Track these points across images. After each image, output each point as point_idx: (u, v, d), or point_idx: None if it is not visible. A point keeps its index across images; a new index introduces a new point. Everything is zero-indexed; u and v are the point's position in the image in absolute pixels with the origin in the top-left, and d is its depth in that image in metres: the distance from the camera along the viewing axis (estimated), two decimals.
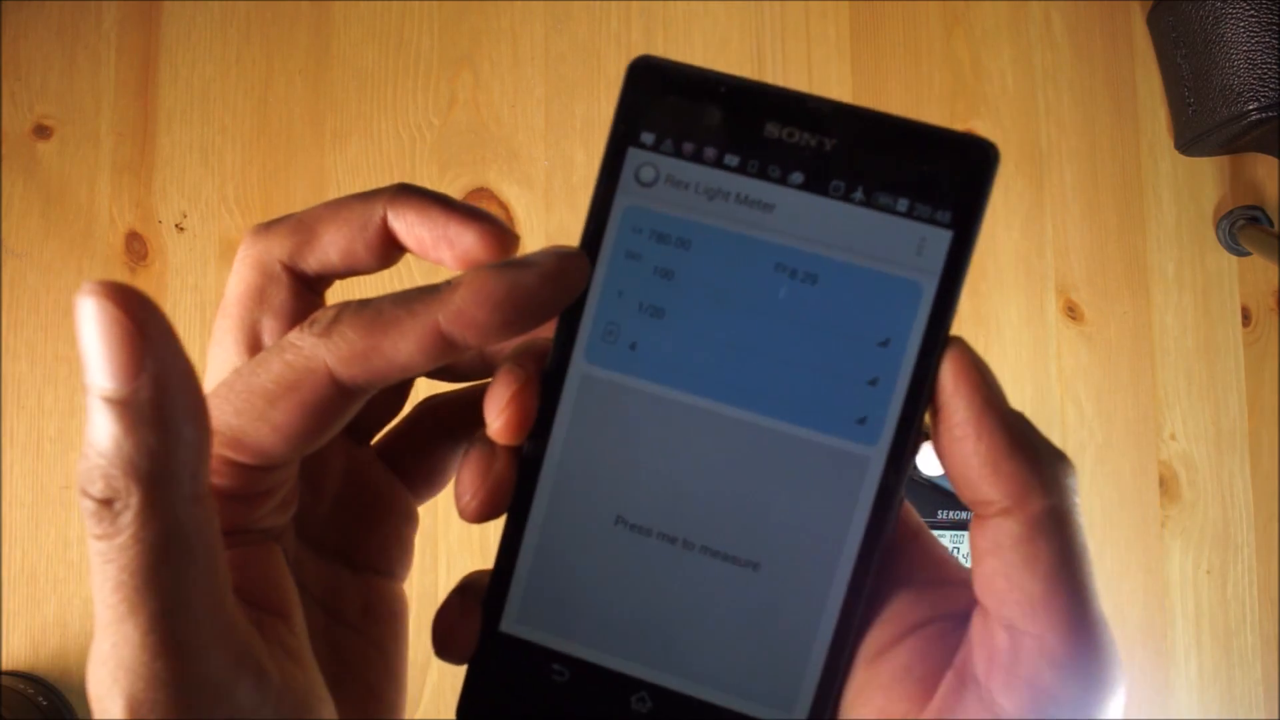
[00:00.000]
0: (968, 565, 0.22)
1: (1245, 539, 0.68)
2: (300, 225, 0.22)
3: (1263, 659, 0.67)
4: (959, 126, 0.69)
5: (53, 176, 0.66)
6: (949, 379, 0.20)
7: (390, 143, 0.67)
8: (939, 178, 0.20)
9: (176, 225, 0.66)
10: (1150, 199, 0.70)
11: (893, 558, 0.22)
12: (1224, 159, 0.70)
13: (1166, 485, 0.68)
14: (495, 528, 0.22)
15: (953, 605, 0.21)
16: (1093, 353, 0.68)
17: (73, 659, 0.63)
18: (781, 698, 0.21)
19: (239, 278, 0.22)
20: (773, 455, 0.21)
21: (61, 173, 0.66)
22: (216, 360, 0.22)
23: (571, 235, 0.67)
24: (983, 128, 0.69)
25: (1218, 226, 0.69)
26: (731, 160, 0.21)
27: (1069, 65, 0.70)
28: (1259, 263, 0.69)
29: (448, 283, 0.20)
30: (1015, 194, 0.69)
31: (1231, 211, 0.68)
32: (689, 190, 0.21)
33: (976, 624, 0.20)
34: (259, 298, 0.22)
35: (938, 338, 0.20)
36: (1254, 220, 0.67)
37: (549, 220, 0.67)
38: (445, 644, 0.21)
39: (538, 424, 0.21)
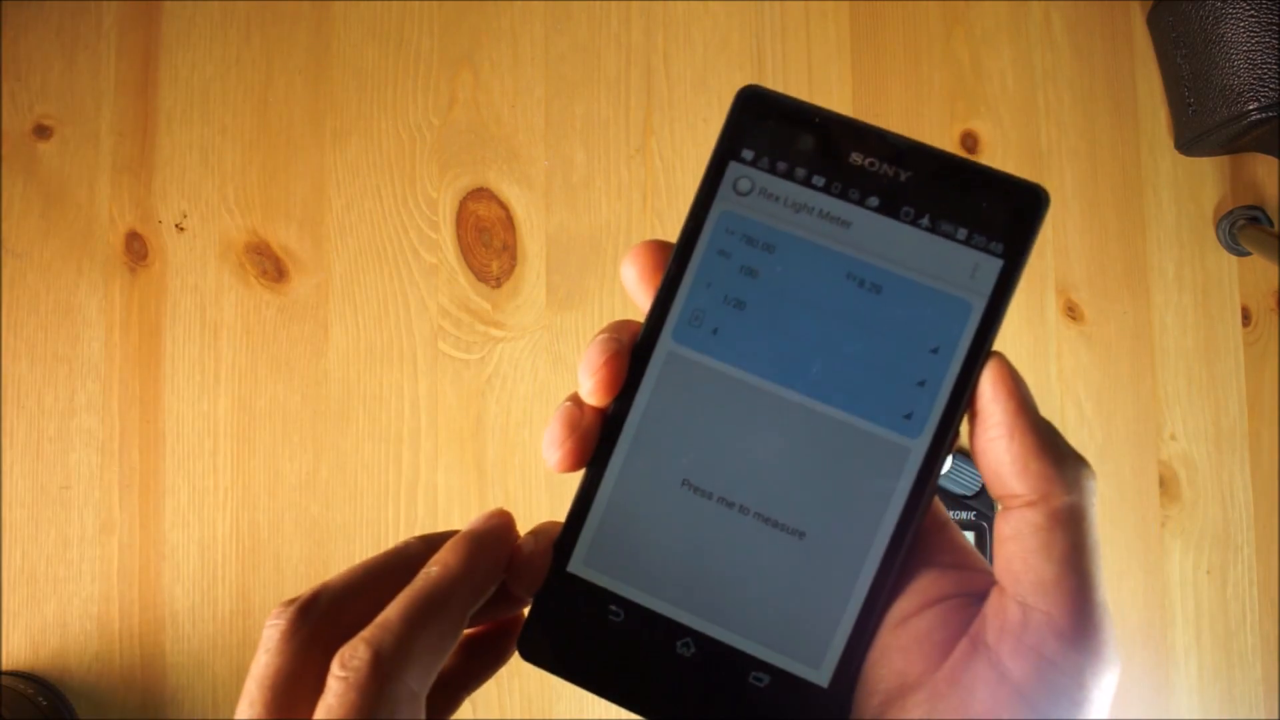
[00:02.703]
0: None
1: (1245, 539, 0.68)
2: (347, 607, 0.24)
3: (1263, 659, 0.67)
4: (959, 127, 0.69)
5: (53, 176, 0.66)
6: (989, 386, 0.23)
7: (390, 143, 0.67)
8: (995, 213, 0.23)
9: (176, 225, 0.66)
10: (1150, 199, 0.70)
11: (922, 540, 0.24)
12: (1224, 159, 0.70)
13: (1166, 485, 0.68)
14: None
15: (971, 585, 0.23)
16: (1093, 353, 0.68)
17: (72, 659, 0.63)
18: (812, 653, 0.23)
19: (285, 657, 0.23)
20: (827, 438, 0.24)
21: (61, 173, 0.66)
22: None
23: (571, 234, 0.67)
24: (983, 128, 0.69)
25: (1218, 226, 0.69)
26: (818, 180, 0.24)
27: (1069, 65, 0.70)
28: (1259, 263, 0.69)
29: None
30: None
31: (1231, 211, 0.68)
32: (778, 202, 0.24)
33: (993, 599, 0.22)
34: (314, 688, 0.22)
35: (981, 350, 0.23)
36: (1254, 220, 0.67)
37: (549, 220, 0.67)
38: (518, 575, 0.24)
39: (623, 390, 0.24)
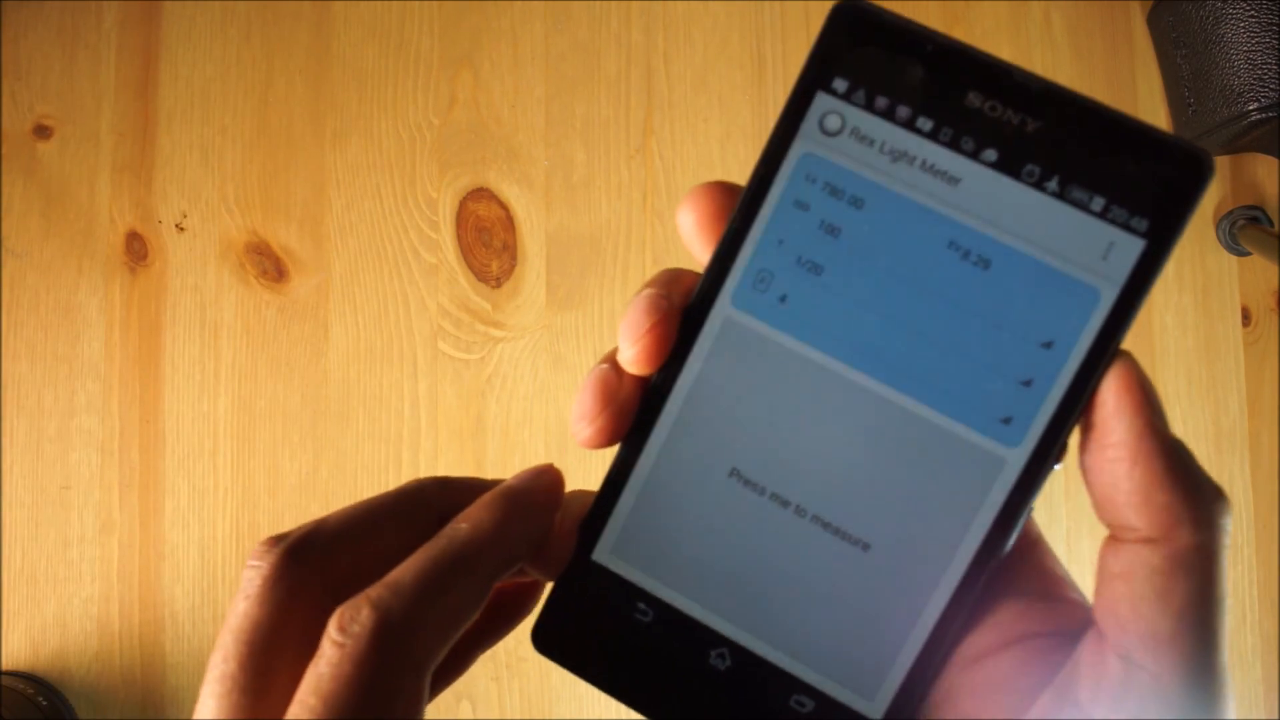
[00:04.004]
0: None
1: (1245, 539, 0.68)
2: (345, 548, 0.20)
3: (1263, 659, 0.67)
4: None
5: (53, 176, 0.66)
6: (1112, 395, 0.19)
7: (390, 143, 0.67)
8: (1143, 181, 0.19)
9: (176, 225, 0.66)
10: None
11: (1008, 564, 0.21)
12: (1224, 159, 0.70)
13: None
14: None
15: (1062, 623, 0.20)
16: None
17: (72, 659, 0.63)
18: (865, 684, 0.20)
19: (268, 607, 0.19)
20: (905, 438, 0.20)
21: (61, 173, 0.66)
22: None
23: (571, 234, 0.67)
24: None
25: (1218, 226, 0.69)
26: (925, 124, 0.20)
27: (1069, 65, 0.70)
28: (1259, 263, 0.69)
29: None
30: None
31: (1231, 211, 0.68)
32: (873, 148, 0.20)
33: (1088, 647, 0.19)
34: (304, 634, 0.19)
35: (1106, 350, 0.19)
36: (1254, 220, 0.67)
37: (549, 220, 0.67)
38: (539, 556, 0.21)
39: (670, 359, 0.21)
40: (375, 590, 0.18)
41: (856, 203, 0.20)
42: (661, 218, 0.68)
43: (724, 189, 0.21)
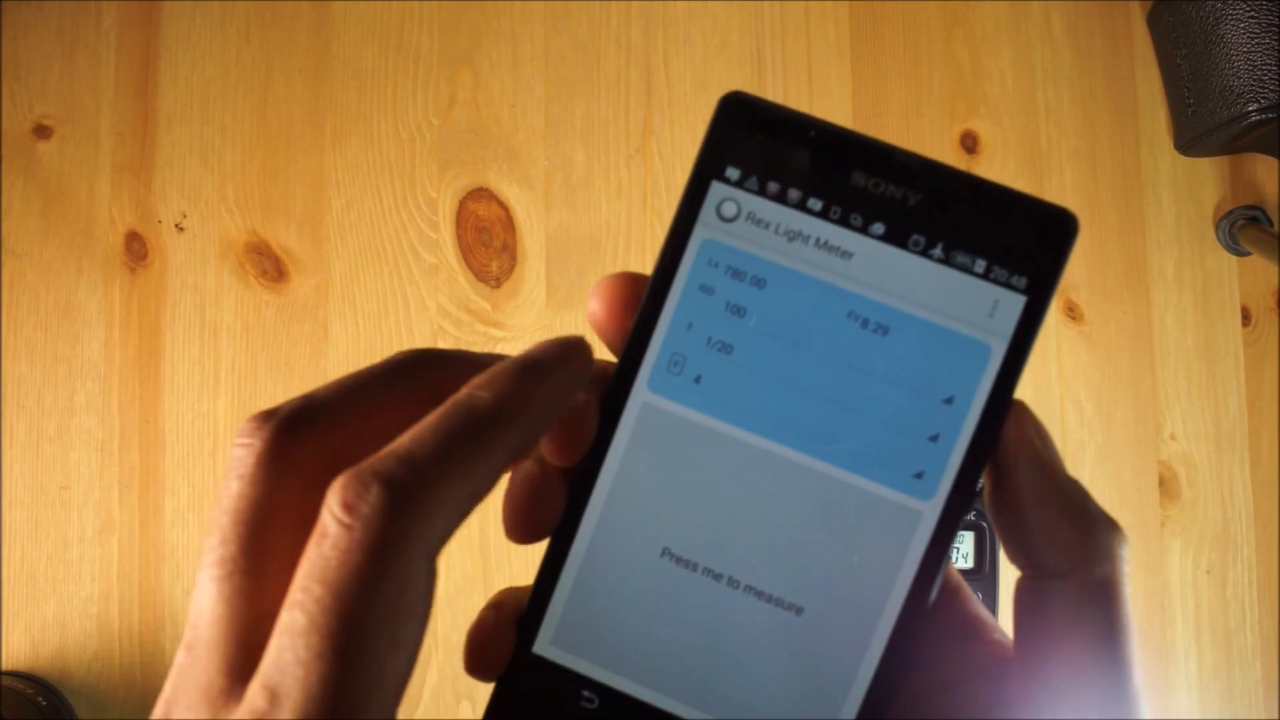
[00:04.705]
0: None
1: (1245, 539, 0.68)
2: (336, 420, 0.19)
3: (1263, 659, 0.67)
4: (959, 127, 0.69)
5: (53, 176, 0.66)
6: (1011, 443, 0.20)
7: (390, 143, 0.67)
8: (1018, 243, 0.20)
9: (176, 225, 0.66)
10: (1150, 199, 0.70)
11: (933, 613, 0.21)
12: (1224, 159, 0.70)
13: (1166, 485, 0.68)
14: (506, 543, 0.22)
15: (988, 664, 0.21)
16: (1093, 353, 0.68)
17: (72, 659, 0.63)
18: None
19: (264, 486, 0.18)
20: (826, 501, 0.21)
21: (61, 173, 0.66)
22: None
23: (571, 234, 0.67)
24: (982, 128, 0.69)
25: (1218, 226, 0.69)
26: (815, 204, 0.21)
27: (1069, 65, 0.70)
28: (1259, 263, 0.69)
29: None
30: None
31: (1231, 211, 0.68)
32: (769, 230, 0.21)
33: (1013, 684, 0.20)
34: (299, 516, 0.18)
35: (1002, 400, 0.20)
36: (1254, 220, 0.67)
37: (549, 220, 0.67)
38: (477, 661, 0.21)
39: (593, 447, 0.21)
40: (385, 463, 0.16)
41: (758, 283, 0.21)
42: (661, 218, 0.68)
43: (630, 279, 0.22)
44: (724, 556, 0.21)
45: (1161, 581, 0.67)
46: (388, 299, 0.66)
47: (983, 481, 0.21)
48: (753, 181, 0.21)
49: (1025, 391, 0.67)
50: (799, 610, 0.21)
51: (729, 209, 0.21)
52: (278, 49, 0.68)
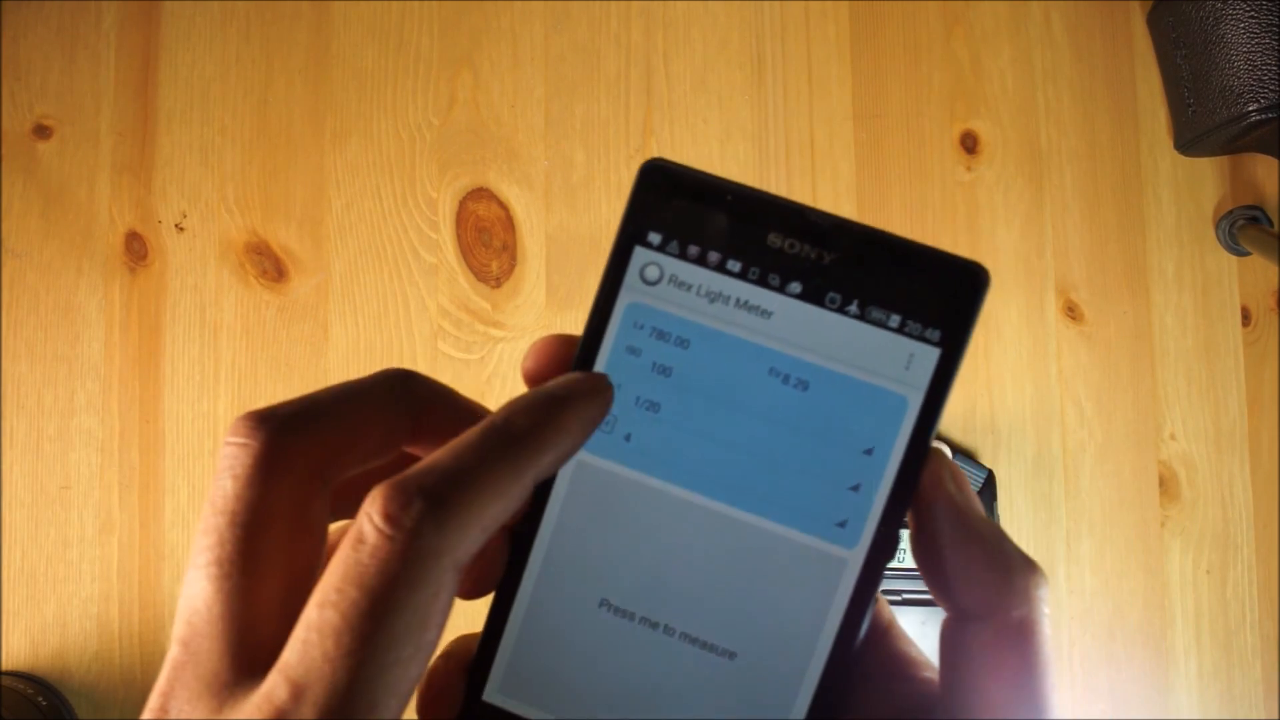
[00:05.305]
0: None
1: (1245, 539, 0.68)
2: (323, 424, 0.19)
3: (1263, 659, 0.67)
4: (958, 127, 0.69)
5: (53, 176, 0.66)
6: (928, 490, 0.21)
7: (390, 143, 0.67)
8: (930, 297, 0.21)
9: (176, 225, 0.66)
10: (1150, 199, 0.70)
11: (863, 653, 0.22)
12: (1224, 159, 0.70)
13: (1166, 485, 0.68)
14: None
15: (917, 703, 0.22)
16: (1093, 353, 0.68)
17: (72, 659, 0.63)
18: None
19: (260, 488, 0.18)
20: (755, 551, 0.22)
21: (61, 173, 0.66)
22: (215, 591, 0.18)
23: (571, 234, 0.67)
24: (982, 128, 0.69)
25: (1217, 226, 0.69)
26: (734, 266, 0.22)
27: (1069, 65, 0.70)
28: (1259, 263, 0.69)
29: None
30: (1015, 194, 0.69)
31: (1231, 211, 0.68)
32: (691, 291, 0.22)
33: None
34: (301, 513, 0.19)
35: (920, 450, 0.21)
36: (1254, 220, 0.67)
37: (549, 220, 0.67)
38: (429, 707, 0.21)
39: (532, 505, 0.22)
40: (428, 478, 0.17)
41: (682, 343, 0.22)
42: None
43: (561, 341, 0.22)
44: (660, 606, 0.22)
45: (1161, 581, 0.67)
46: (388, 299, 0.66)
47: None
48: (674, 245, 0.22)
49: (1025, 391, 0.67)
50: (732, 655, 0.22)
51: (652, 273, 0.22)
52: (278, 49, 0.68)
